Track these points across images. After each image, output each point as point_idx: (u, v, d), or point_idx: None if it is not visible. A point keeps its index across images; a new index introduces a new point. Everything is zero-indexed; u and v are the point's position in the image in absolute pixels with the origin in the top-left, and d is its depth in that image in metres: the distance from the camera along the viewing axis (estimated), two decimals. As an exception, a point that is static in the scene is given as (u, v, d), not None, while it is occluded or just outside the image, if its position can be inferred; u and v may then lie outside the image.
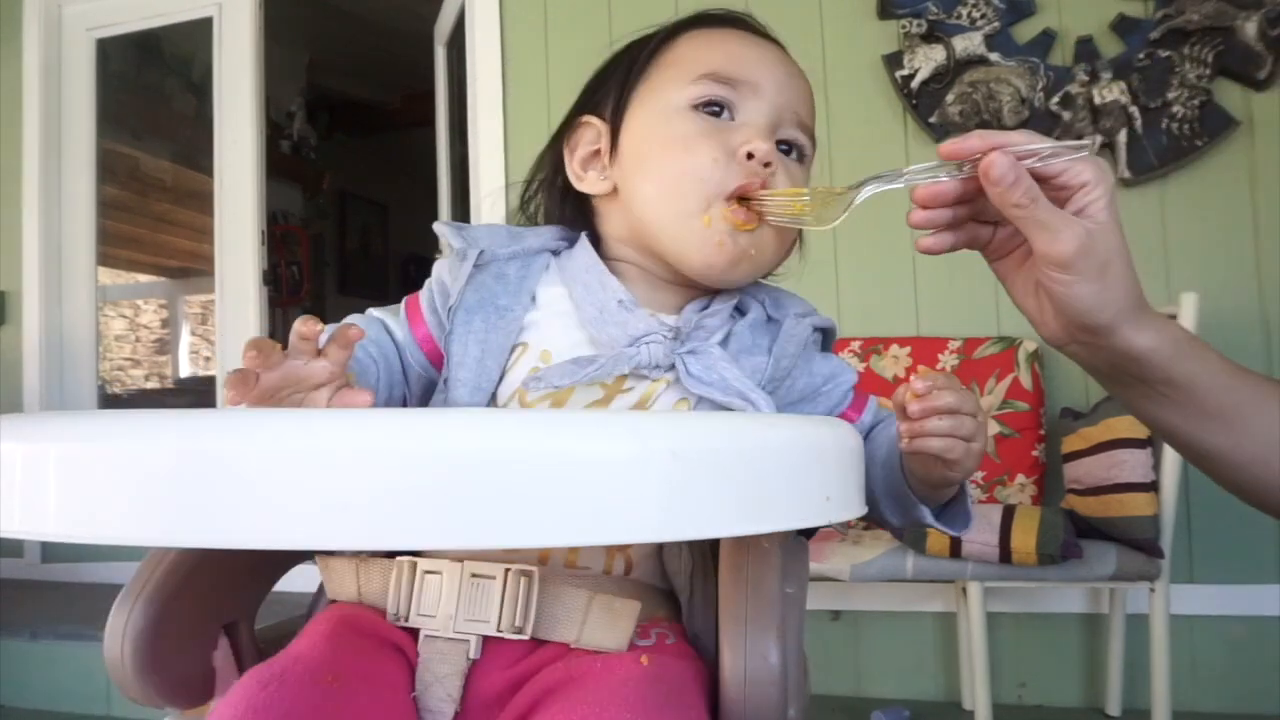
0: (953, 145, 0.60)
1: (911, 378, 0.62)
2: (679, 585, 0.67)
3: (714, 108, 0.69)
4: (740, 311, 0.73)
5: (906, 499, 0.67)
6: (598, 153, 0.75)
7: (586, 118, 0.76)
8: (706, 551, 0.66)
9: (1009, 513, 1.74)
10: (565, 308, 0.71)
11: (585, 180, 0.75)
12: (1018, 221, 0.59)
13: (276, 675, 0.53)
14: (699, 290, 0.73)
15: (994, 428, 2.06)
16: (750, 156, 0.67)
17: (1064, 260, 0.59)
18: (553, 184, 0.79)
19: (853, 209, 0.64)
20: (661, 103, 0.71)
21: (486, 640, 0.60)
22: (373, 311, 0.75)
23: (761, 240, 0.68)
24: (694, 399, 0.68)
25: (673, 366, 0.67)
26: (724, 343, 0.71)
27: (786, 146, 0.71)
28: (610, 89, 0.75)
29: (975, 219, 0.66)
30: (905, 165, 0.62)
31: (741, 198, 0.67)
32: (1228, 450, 0.66)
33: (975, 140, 0.59)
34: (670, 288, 0.72)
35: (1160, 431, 0.69)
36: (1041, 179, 0.59)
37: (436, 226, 0.75)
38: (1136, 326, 0.61)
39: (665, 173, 0.69)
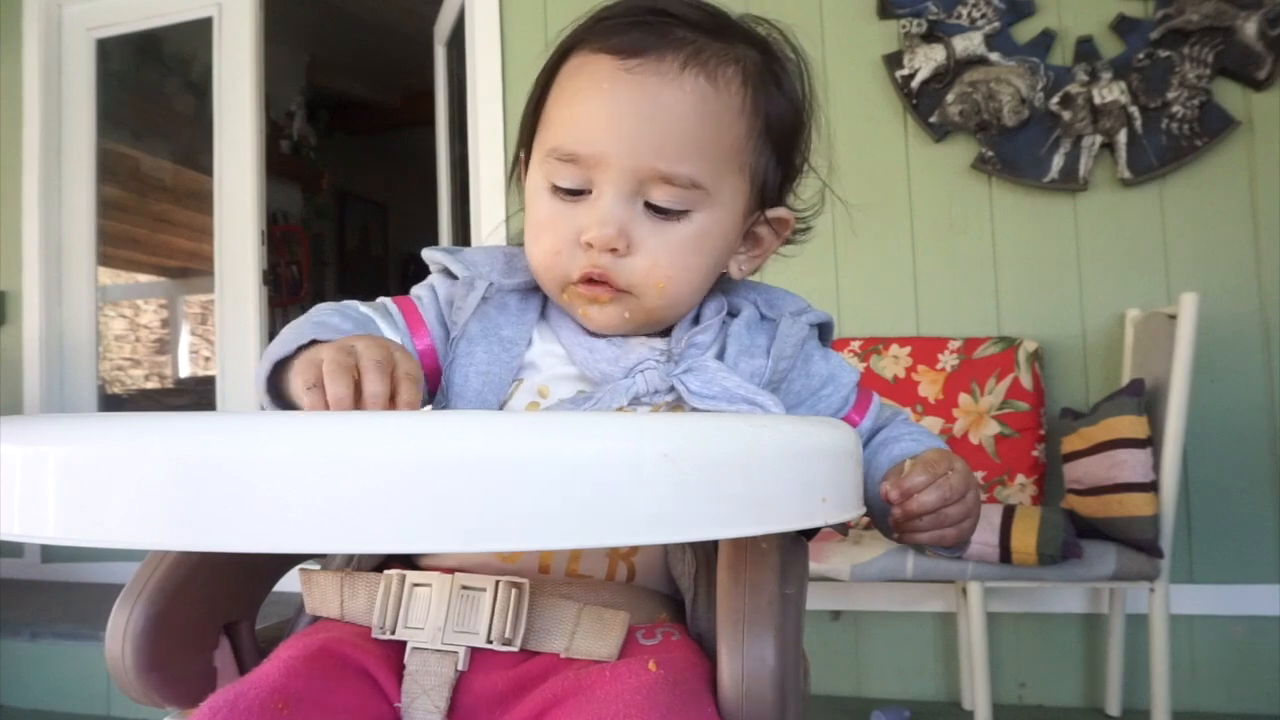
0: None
1: (884, 485, 0.64)
2: (683, 586, 0.67)
3: (568, 184, 0.67)
4: (732, 315, 0.73)
5: (900, 541, 0.68)
6: None
7: (523, 154, 0.75)
8: (710, 552, 0.66)
9: (1009, 513, 1.74)
10: (558, 347, 0.71)
11: None
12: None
13: (229, 701, 0.53)
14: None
15: (994, 428, 2.06)
16: (591, 245, 0.65)
17: None
18: None
19: None
20: (531, 174, 0.70)
21: (475, 651, 0.60)
22: (359, 306, 0.72)
23: (634, 304, 0.67)
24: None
25: (672, 389, 0.67)
26: (720, 349, 0.70)
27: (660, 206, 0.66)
28: (525, 128, 0.74)
29: None
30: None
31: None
32: None
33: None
34: None
35: None
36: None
37: (427, 254, 0.75)
38: None
39: (529, 252, 0.70)
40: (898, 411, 0.78)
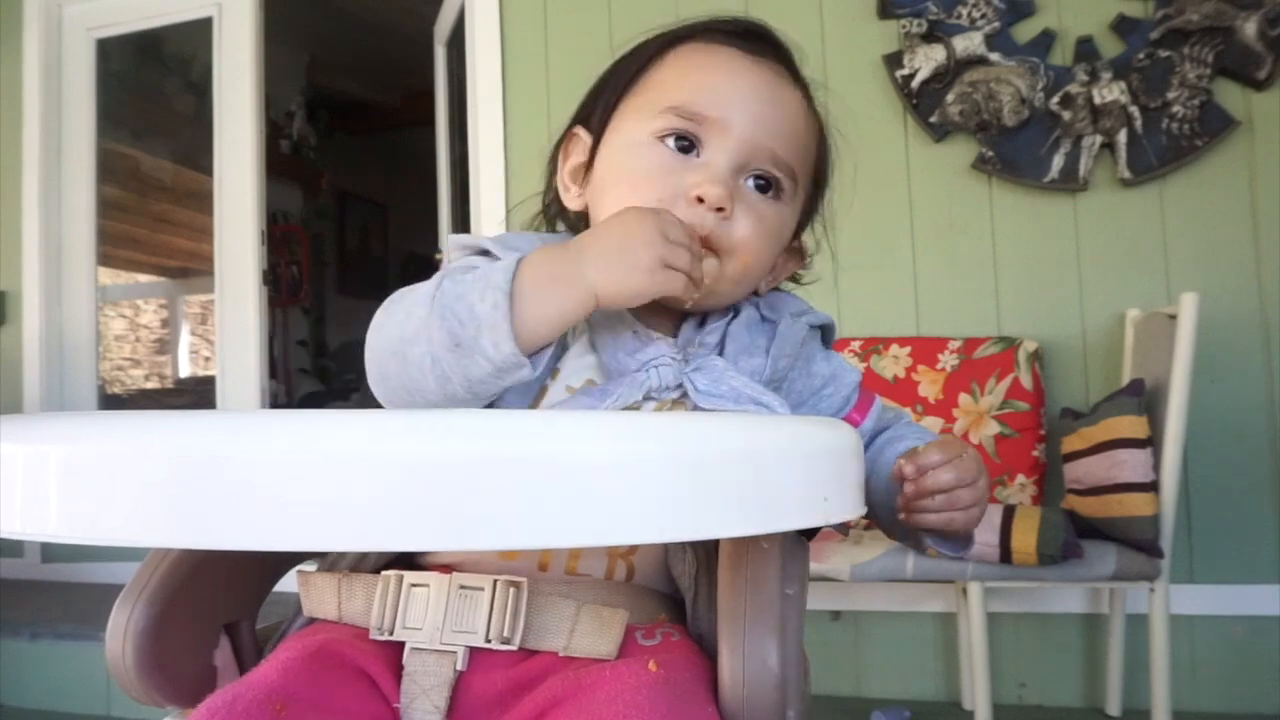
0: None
1: (900, 461, 0.64)
2: (684, 586, 0.67)
3: (681, 141, 0.69)
4: (733, 315, 0.73)
5: (906, 524, 0.68)
6: (583, 166, 0.75)
7: (577, 129, 0.76)
8: (711, 552, 0.66)
9: (1009, 513, 1.74)
10: (584, 329, 0.70)
11: (569, 193, 0.76)
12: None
13: (227, 703, 0.53)
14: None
15: (994, 428, 2.06)
16: (700, 200, 0.67)
17: None
18: (552, 194, 0.79)
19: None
20: (631, 129, 0.71)
21: (474, 651, 0.59)
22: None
23: (714, 271, 0.68)
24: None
25: (680, 386, 0.67)
26: (720, 348, 0.71)
27: (764, 181, 0.71)
28: (601, 101, 0.75)
29: None
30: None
31: None
32: None
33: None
34: (664, 308, 0.71)
35: None
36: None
37: (458, 239, 0.72)
38: None
39: (617, 206, 0.68)
40: (900, 414, 0.78)
